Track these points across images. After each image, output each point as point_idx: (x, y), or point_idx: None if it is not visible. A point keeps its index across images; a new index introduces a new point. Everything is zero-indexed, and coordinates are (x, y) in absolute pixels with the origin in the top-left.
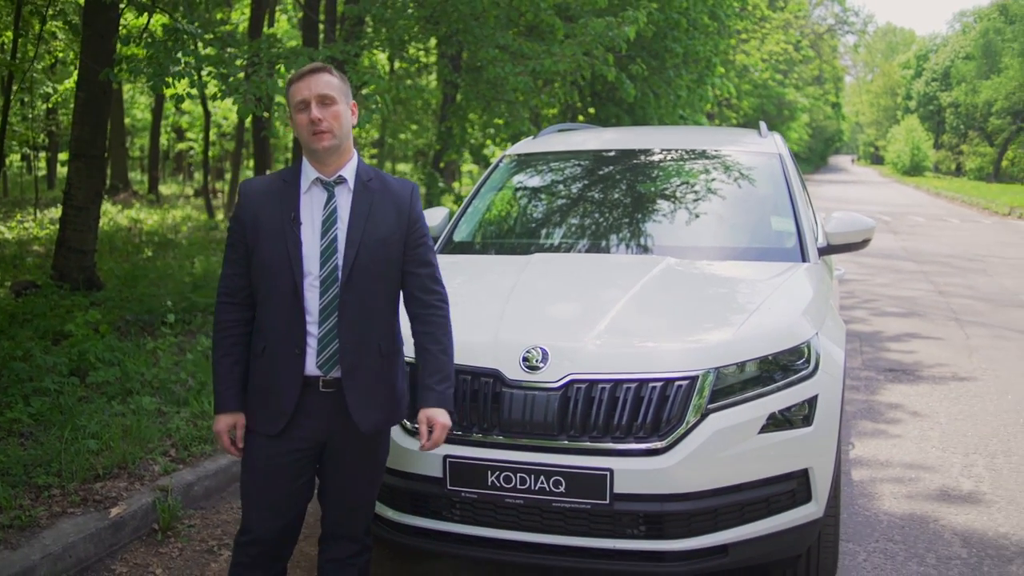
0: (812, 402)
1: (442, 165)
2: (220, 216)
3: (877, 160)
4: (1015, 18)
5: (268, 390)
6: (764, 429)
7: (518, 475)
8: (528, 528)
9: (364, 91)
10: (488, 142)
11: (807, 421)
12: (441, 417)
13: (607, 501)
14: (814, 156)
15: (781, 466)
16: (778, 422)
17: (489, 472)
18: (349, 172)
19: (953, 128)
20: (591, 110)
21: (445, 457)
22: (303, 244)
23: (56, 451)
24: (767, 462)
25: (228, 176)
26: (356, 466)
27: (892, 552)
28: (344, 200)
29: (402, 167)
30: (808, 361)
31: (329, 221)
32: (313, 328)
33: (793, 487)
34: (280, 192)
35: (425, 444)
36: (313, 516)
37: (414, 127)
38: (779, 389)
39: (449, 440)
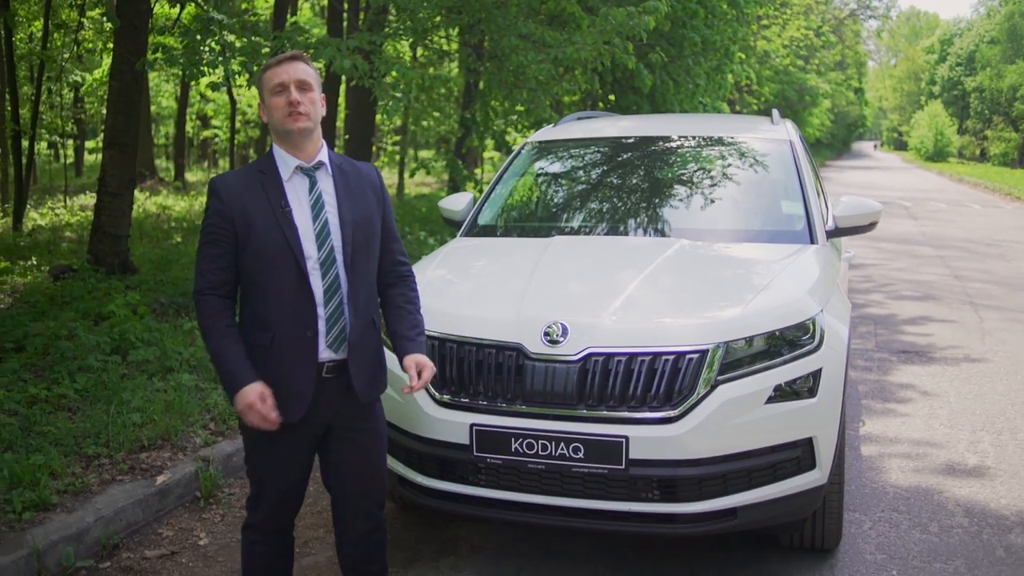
0: (816, 375)
1: (464, 151)
2: None
3: (900, 146)
4: None
5: (283, 379)
6: (771, 400)
7: (540, 442)
8: (549, 492)
9: (388, 79)
10: (510, 129)
11: (811, 393)
12: (428, 361)
13: (623, 466)
14: (836, 142)
15: (786, 435)
16: (784, 393)
17: (513, 439)
18: (324, 158)
19: (977, 113)
20: (611, 97)
21: (472, 425)
22: (298, 227)
23: (103, 424)
24: (773, 431)
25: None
26: (362, 442)
27: (897, 521)
28: (326, 184)
29: (424, 153)
30: (813, 337)
31: (317, 205)
32: (320, 310)
33: (798, 455)
34: (262, 183)
35: (416, 385)
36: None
37: (436, 114)
38: (785, 362)
39: (475, 409)
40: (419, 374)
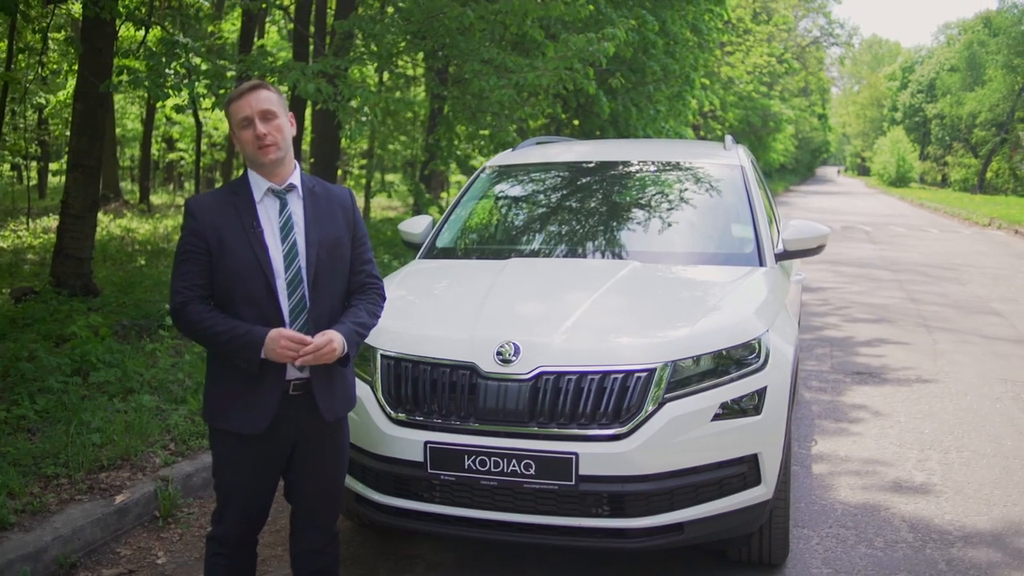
0: (761, 393)
1: (427, 174)
2: None
3: (864, 171)
4: (998, 30)
5: (250, 392)
6: (717, 417)
7: (492, 459)
8: (502, 508)
9: (353, 103)
10: (474, 153)
11: (757, 410)
12: (338, 339)
13: (573, 482)
14: (800, 167)
15: (732, 451)
16: (730, 411)
17: (466, 456)
18: (296, 180)
19: (938, 139)
20: (575, 122)
21: (426, 443)
22: (268, 248)
23: (63, 444)
24: (719, 447)
25: (219, 186)
26: (325, 459)
27: (843, 537)
28: (296, 207)
29: (391, 177)
30: (759, 356)
31: (287, 227)
32: (287, 328)
33: (744, 470)
34: (234, 204)
35: (307, 349)
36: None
37: (403, 138)
38: (731, 381)
39: (429, 427)
40: (316, 346)
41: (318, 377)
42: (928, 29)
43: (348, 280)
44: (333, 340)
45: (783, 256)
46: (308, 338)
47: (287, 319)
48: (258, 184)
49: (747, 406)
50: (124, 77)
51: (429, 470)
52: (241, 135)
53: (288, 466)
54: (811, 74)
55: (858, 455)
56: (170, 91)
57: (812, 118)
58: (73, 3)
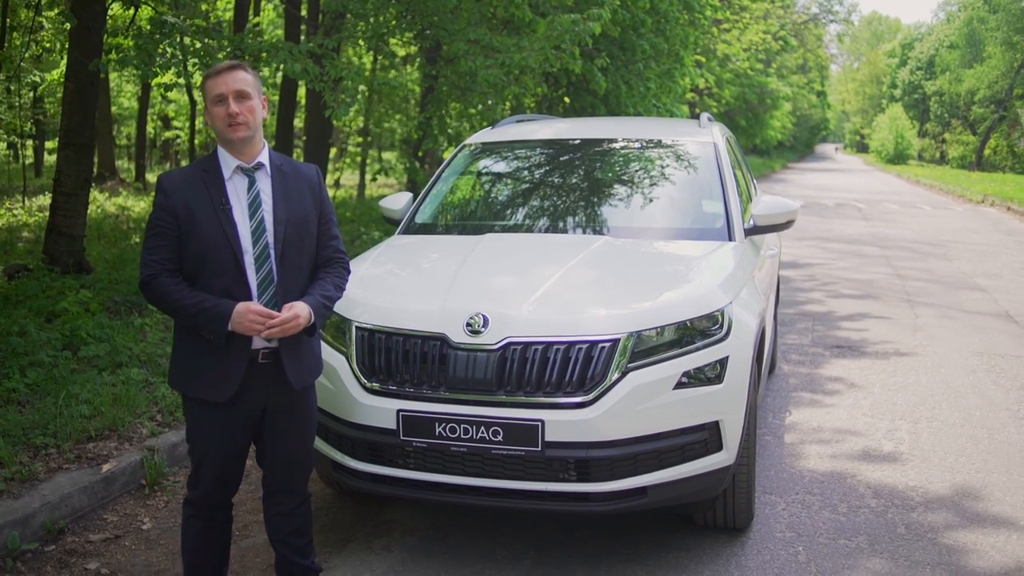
0: (723, 362)
1: (421, 153)
2: None
3: (862, 148)
4: (998, 7)
5: (217, 363)
6: (679, 386)
7: (462, 426)
8: (471, 473)
9: (343, 83)
10: (466, 130)
11: (719, 379)
12: (304, 311)
13: (539, 448)
14: (799, 144)
15: (694, 418)
16: (692, 379)
17: (436, 424)
18: (264, 159)
19: (937, 116)
20: (567, 99)
21: (398, 411)
22: (236, 224)
23: (51, 415)
24: (681, 415)
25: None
26: (293, 424)
27: (809, 503)
28: (264, 184)
29: (387, 155)
30: (722, 326)
31: (255, 204)
32: (255, 302)
33: (705, 437)
34: (204, 181)
35: (273, 322)
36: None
37: (399, 116)
38: (694, 350)
39: (401, 396)
40: (285, 318)
41: (286, 347)
42: (928, 6)
43: (315, 255)
44: (299, 313)
45: (753, 231)
46: (275, 312)
47: (255, 293)
48: (227, 162)
49: (709, 375)
50: (113, 56)
51: (402, 437)
52: (213, 110)
53: (258, 432)
54: (809, 51)
55: (830, 425)
56: (158, 70)
57: (811, 95)
58: None
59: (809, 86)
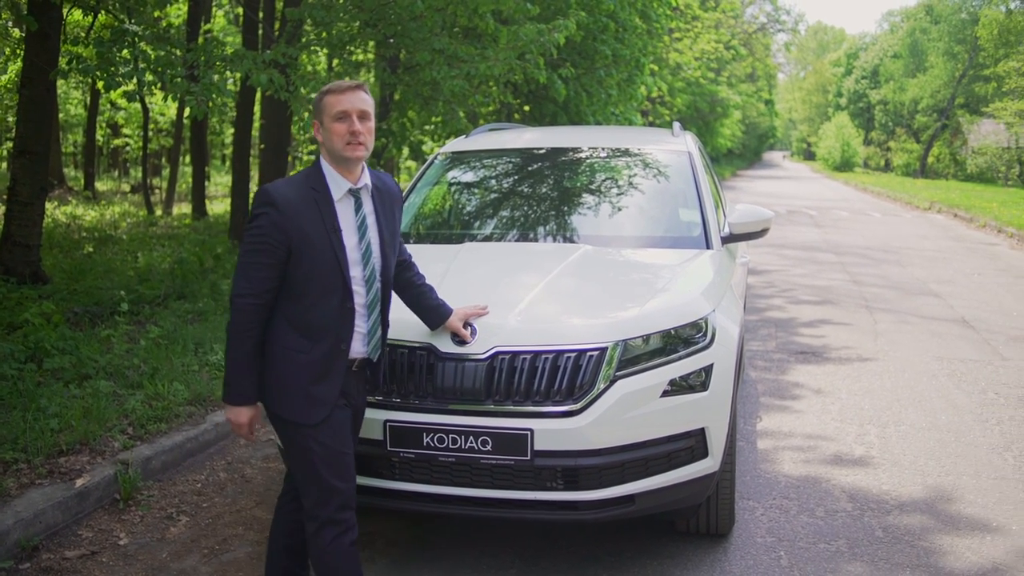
0: (708, 370)
1: (383, 162)
2: (159, 212)
3: (809, 156)
4: (940, 18)
5: (314, 384)
6: (666, 393)
7: (450, 436)
8: (460, 483)
9: (304, 92)
10: (426, 139)
11: (704, 386)
12: (468, 311)
13: (528, 457)
14: (748, 152)
15: (681, 426)
16: (678, 387)
17: (424, 434)
18: (367, 179)
19: (882, 125)
20: (527, 108)
21: (385, 422)
22: (346, 248)
23: (20, 429)
24: (668, 422)
25: (166, 172)
26: (355, 428)
27: (786, 507)
28: (368, 206)
29: None
30: (706, 334)
31: (362, 227)
32: (361, 322)
33: (692, 444)
34: (316, 201)
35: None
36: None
37: None
38: (679, 359)
39: (389, 406)
40: (466, 325)
41: (379, 357)
42: (872, 16)
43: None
44: (467, 314)
45: (729, 239)
46: (253, 438)
47: (363, 313)
48: (336, 183)
49: (694, 383)
50: (73, 65)
51: (389, 448)
52: (333, 126)
53: None
54: (758, 60)
55: (801, 430)
56: (121, 80)
57: (759, 103)
58: None
59: (758, 95)
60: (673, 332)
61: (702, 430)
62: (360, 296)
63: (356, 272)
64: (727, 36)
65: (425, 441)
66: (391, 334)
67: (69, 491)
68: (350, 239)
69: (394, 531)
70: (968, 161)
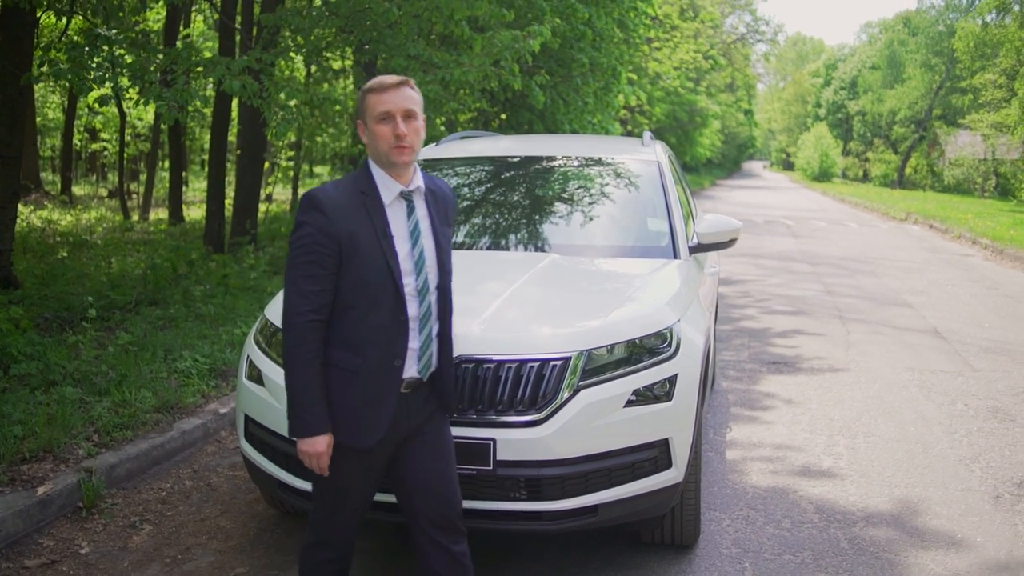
0: (672, 380)
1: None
2: (135, 217)
3: (789, 166)
4: (917, 30)
5: (364, 406)
6: (629, 403)
7: None
8: None
9: (281, 98)
10: None
11: (668, 397)
12: None
13: (491, 467)
14: (727, 161)
15: (644, 436)
16: (642, 397)
17: None
18: (419, 182)
19: (860, 136)
20: (503, 116)
21: None
22: (398, 255)
23: None
24: (632, 432)
25: (143, 177)
26: (438, 447)
27: (753, 519)
28: (421, 210)
29: (319, 169)
30: (670, 344)
31: (415, 233)
32: (413, 336)
33: (655, 454)
34: (365, 205)
35: None
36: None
37: (331, 130)
38: (644, 368)
39: None
40: None
41: (442, 377)
42: (851, 28)
43: None
44: None
45: (697, 249)
46: (327, 473)
47: (414, 327)
48: (387, 185)
49: (659, 393)
50: (46, 69)
51: None
52: (377, 129)
53: (396, 462)
54: (737, 70)
55: (770, 441)
56: (93, 84)
57: (738, 113)
58: None
59: (737, 104)
60: (638, 342)
61: (666, 440)
62: (412, 309)
63: (408, 281)
64: (706, 46)
65: None
66: None
67: (31, 499)
68: (402, 246)
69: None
70: (945, 172)
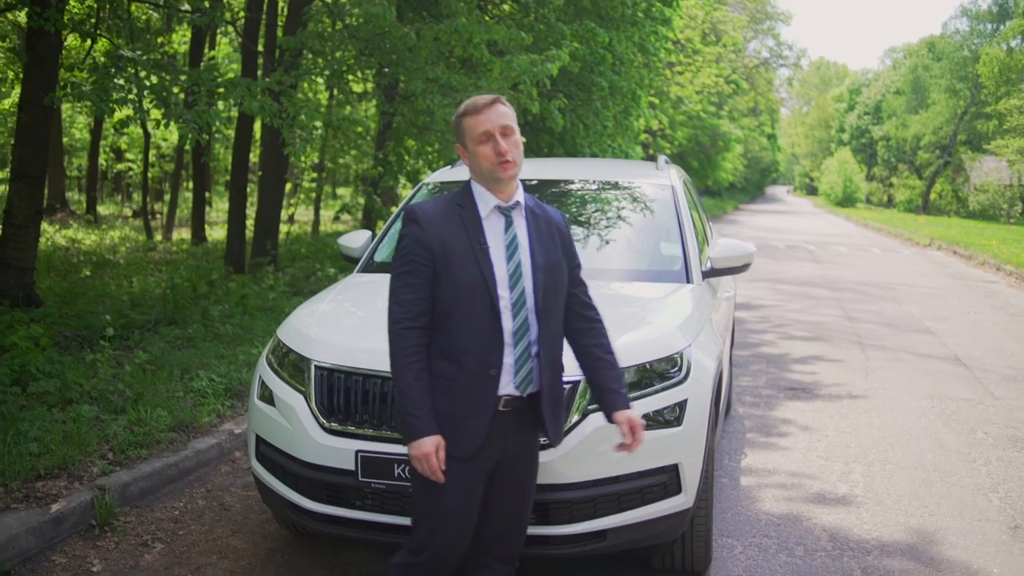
0: (682, 405)
1: (379, 192)
2: (159, 237)
3: (812, 191)
4: (942, 55)
5: (461, 414)
6: None
7: None
8: None
9: (301, 118)
10: (424, 168)
11: (678, 422)
12: (639, 419)
13: None
14: (750, 186)
15: (653, 461)
16: (652, 422)
17: (395, 465)
18: (520, 197)
19: (884, 161)
20: (523, 139)
21: (357, 452)
22: (494, 266)
23: None
24: (641, 457)
25: (167, 197)
26: (524, 481)
27: (765, 546)
28: (520, 225)
29: (342, 191)
30: (680, 369)
31: (512, 247)
32: (509, 349)
33: (665, 480)
34: (461, 217)
35: (632, 445)
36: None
37: (354, 152)
38: (654, 393)
39: (360, 436)
40: (632, 431)
41: (547, 403)
42: (875, 53)
43: (564, 304)
44: (635, 424)
45: (710, 273)
46: (440, 474)
47: (510, 341)
48: (484, 199)
49: (668, 417)
50: (68, 90)
51: (360, 478)
52: (478, 150)
53: (489, 486)
54: (760, 95)
55: (785, 468)
56: (115, 106)
57: (761, 138)
58: (18, 14)
59: (760, 129)
60: (648, 366)
61: (675, 466)
62: (508, 321)
63: (503, 294)
64: (727, 70)
65: (396, 472)
66: (364, 362)
67: (44, 516)
68: (498, 258)
69: (368, 561)
70: (970, 198)
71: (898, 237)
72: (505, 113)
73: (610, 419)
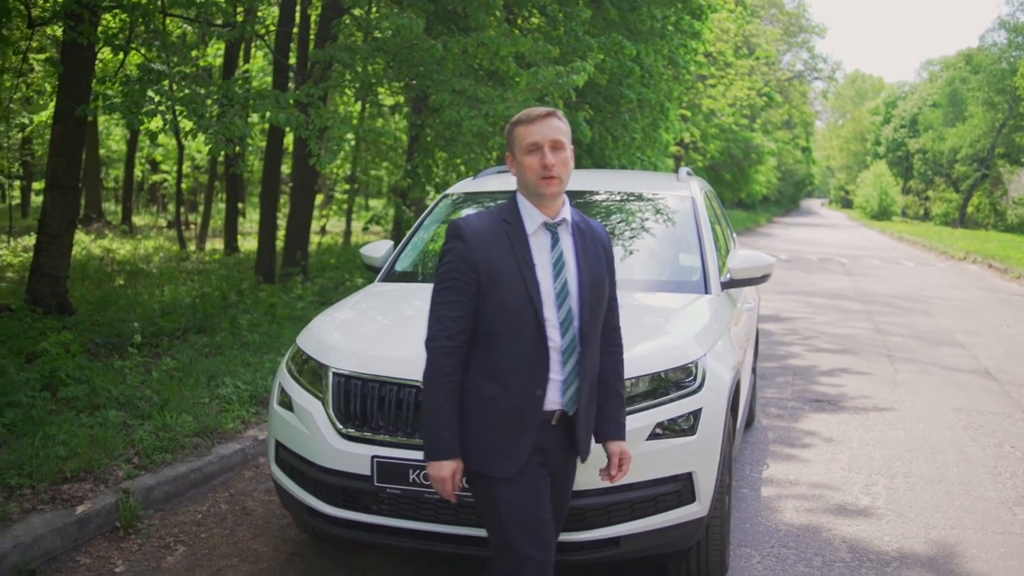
0: (696, 414)
1: (409, 202)
2: (192, 247)
3: (847, 204)
4: (979, 68)
5: (503, 435)
6: (652, 436)
7: None
8: (445, 520)
9: (329, 131)
10: (453, 179)
11: (692, 431)
12: (628, 451)
13: None
14: (784, 199)
15: (667, 469)
16: (666, 430)
17: (411, 470)
18: (567, 214)
19: (920, 174)
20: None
21: (373, 457)
22: (540, 284)
23: (27, 456)
24: (655, 465)
25: (201, 208)
26: (563, 497)
27: (784, 556)
28: (567, 242)
29: (375, 202)
30: (695, 378)
31: (559, 265)
32: (556, 368)
33: (678, 488)
34: (507, 234)
35: (616, 475)
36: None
37: (386, 164)
38: (668, 402)
39: (376, 442)
40: (620, 464)
41: (582, 420)
42: (911, 65)
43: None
44: (625, 457)
45: (729, 284)
46: (455, 498)
47: (557, 361)
48: (531, 216)
49: (683, 426)
50: (100, 103)
51: (376, 483)
52: (525, 160)
53: None
54: (794, 107)
55: (807, 479)
56: (144, 118)
57: (796, 151)
58: (54, 27)
59: (794, 142)
60: (662, 375)
61: (689, 474)
62: (555, 340)
63: (550, 313)
64: (760, 83)
65: (411, 477)
66: (381, 369)
67: (69, 517)
68: (544, 276)
69: (385, 566)
70: (1008, 211)
71: (933, 250)
72: (558, 127)
73: (603, 444)
